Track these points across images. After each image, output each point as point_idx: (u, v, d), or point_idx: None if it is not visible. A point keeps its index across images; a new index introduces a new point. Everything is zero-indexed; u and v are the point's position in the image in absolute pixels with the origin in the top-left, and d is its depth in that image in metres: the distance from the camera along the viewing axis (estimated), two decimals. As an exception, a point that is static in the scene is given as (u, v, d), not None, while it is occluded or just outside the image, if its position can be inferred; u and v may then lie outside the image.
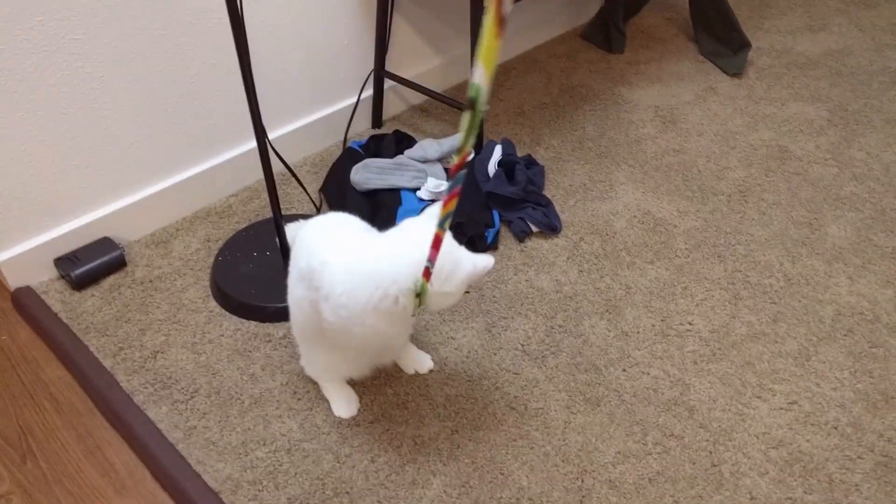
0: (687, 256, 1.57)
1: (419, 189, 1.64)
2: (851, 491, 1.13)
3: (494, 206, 1.64)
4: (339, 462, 1.16)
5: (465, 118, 0.80)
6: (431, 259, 0.96)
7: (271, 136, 1.77)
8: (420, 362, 1.31)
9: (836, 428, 1.22)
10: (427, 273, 0.97)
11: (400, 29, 1.93)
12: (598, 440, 1.20)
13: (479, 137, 1.78)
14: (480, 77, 0.76)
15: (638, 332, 1.39)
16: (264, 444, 1.19)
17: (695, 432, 1.21)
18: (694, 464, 1.16)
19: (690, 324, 1.41)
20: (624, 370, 1.32)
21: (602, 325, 1.40)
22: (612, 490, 1.12)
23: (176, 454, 1.17)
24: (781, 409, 1.25)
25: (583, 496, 1.12)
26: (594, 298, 1.46)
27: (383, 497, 1.12)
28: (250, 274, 1.46)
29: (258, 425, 1.22)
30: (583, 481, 1.14)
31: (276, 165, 1.77)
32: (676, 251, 1.58)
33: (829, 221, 1.66)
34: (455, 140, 1.75)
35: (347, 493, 1.12)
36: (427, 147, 1.71)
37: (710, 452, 1.18)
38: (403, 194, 1.64)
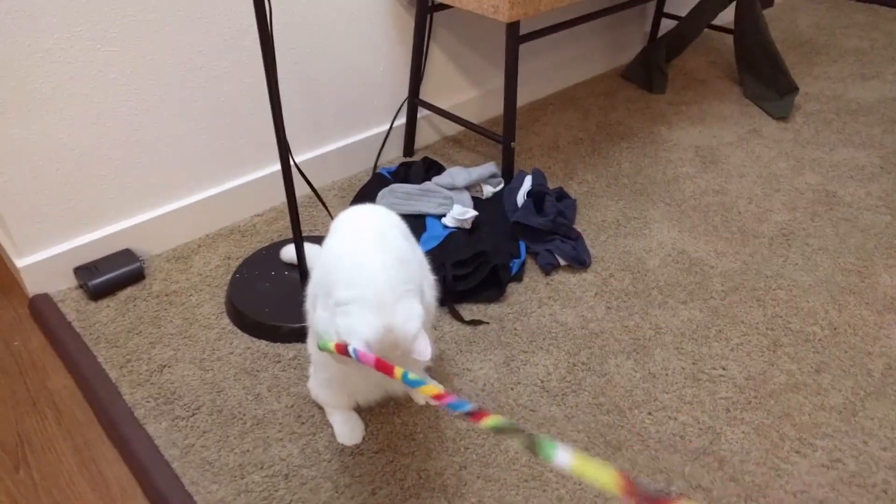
0: (723, 299, 1.47)
1: (445, 216, 1.59)
2: (902, 564, 1.01)
3: (521, 237, 1.58)
4: (337, 492, 1.10)
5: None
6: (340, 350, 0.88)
7: (301, 158, 1.76)
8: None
9: (885, 492, 1.10)
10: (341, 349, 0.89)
11: (436, 59, 1.93)
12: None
13: (510, 170, 1.74)
14: None
15: (666, 375, 1.30)
16: (262, 468, 1.13)
17: (724, 485, 1.11)
18: (723, 520, 1.06)
19: (724, 369, 1.31)
20: (649, 414, 1.22)
21: (628, 366, 1.32)
22: (630, 543, 1.02)
23: (170, 472, 1.12)
24: (823, 466, 1.14)
25: (597, 547, 1.02)
26: (621, 337, 1.38)
27: (381, 533, 1.04)
28: (266, 292, 1.43)
29: (258, 447, 1.16)
30: (598, 531, 1.04)
31: (304, 188, 1.77)
32: (712, 293, 1.49)
33: (880, 270, 1.55)
34: (485, 169, 1.71)
35: (343, 525, 1.05)
36: (455, 174, 1.67)
37: (742, 509, 1.07)
38: (428, 221, 1.60)
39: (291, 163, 1.29)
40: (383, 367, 0.80)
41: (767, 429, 1.20)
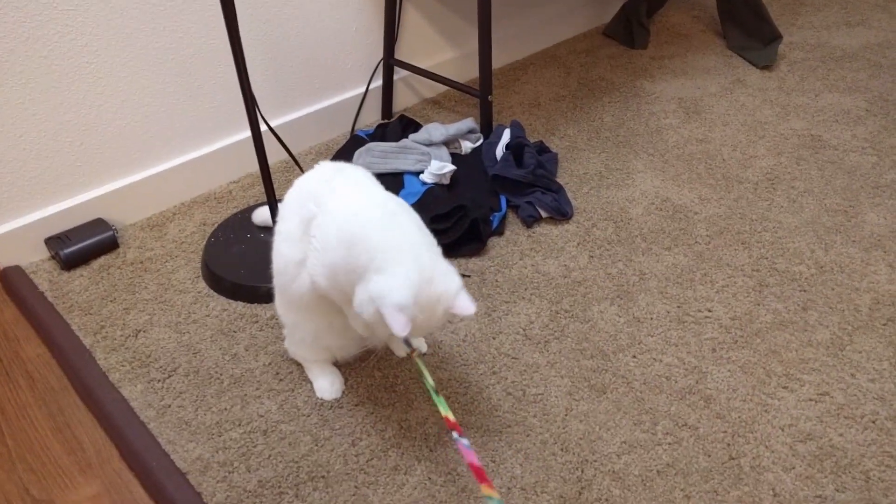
0: (708, 243, 1.45)
1: (423, 172, 1.56)
2: (891, 490, 0.99)
3: (501, 191, 1.55)
4: (317, 445, 1.07)
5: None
6: None
7: (276, 122, 1.73)
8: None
9: (873, 422, 1.08)
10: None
11: (411, 19, 1.89)
12: (602, 429, 1.08)
13: (489, 124, 1.71)
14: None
15: (651, 319, 1.28)
16: (240, 425, 1.11)
17: (711, 423, 1.09)
18: (709, 456, 1.04)
19: (710, 311, 1.29)
20: (634, 357, 1.20)
21: (612, 311, 1.29)
22: (616, 481, 1.01)
23: (146, 433, 1.10)
24: (811, 400, 1.12)
25: (582, 487, 1.00)
26: (605, 284, 1.36)
27: (361, 482, 1.02)
28: (242, 255, 1.40)
29: (235, 406, 1.14)
30: (583, 471, 1.02)
31: (280, 154, 1.73)
32: (696, 238, 1.47)
33: (866, 209, 1.53)
34: (463, 124, 1.67)
35: (323, 477, 1.03)
36: (433, 130, 1.64)
37: (728, 445, 1.05)
38: (406, 177, 1.57)
39: (259, 118, 1.25)
40: (478, 473, 0.81)
41: (754, 366, 1.18)
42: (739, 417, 1.09)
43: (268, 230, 1.43)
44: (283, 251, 1.02)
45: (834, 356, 1.19)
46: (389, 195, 1.00)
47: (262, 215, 1.43)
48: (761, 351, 1.21)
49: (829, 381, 1.15)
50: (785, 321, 1.26)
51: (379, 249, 0.89)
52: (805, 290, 1.33)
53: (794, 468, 1.02)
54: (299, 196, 1.01)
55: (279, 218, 1.04)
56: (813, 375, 1.16)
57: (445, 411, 0.87)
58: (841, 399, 1.12)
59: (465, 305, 0.89)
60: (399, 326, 0.84)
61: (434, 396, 0.90)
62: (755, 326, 1.25)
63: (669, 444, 1.06)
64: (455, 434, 0.85)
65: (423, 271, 0.88)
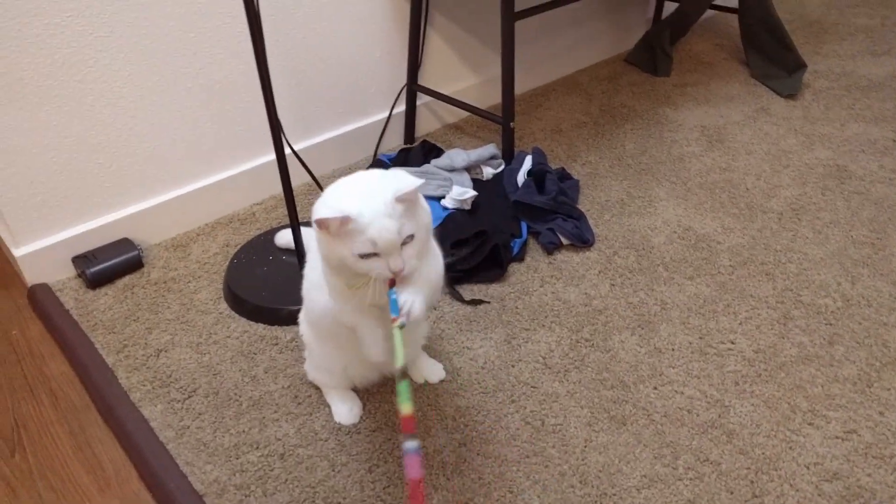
0: (731, 273, 1.43)
1: (444, 197, 1.57)
2: (922, 534, 0.96)
3: (522, 217, 1.55)
4: (334, 470, 1.07)
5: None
6: None
7: (301, 146, 1.75)
8: (431, 371, 1.22)
9: (902, 462, 1.06)
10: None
11: (434, 45, 1.91)
12: (622, 462, 1.07)
13: (510, 150, 1.72)
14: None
15: (672, 350, 1.26)
16: (257, 448, 1.11)
17: (734, 458, 1.07)
18: (732, 493, 1.02)
19: (732, 342, 1.27)
20: (655, 388, 1.19)
21: (633, 341, 1.28)
22: (635, 517, 0.99)
23: (164, 453, 1.10)
24: (837, 438, 1.09)
25: (601, 521, 0.99)
26: (626, 313, 1.34)
27: (377, 510, 1.01)
28: (264, 277, 1.41)
29: (253, 428, 1.14)
30: (602, 505, 1.01)
31: (303, 176, 1.75)
32: (719, 268, 1.45)
33: (894, 242, 1.51)
34: (485, 150, 1.68)
35: (339, 503, 1.02)
36: (454, 156, 1.65)
37: (752, 482, 1.03)
38: (428, 202, 1.57)
39: (284, 142, 1.27)
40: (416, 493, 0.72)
41: (778, 401, 1.16)
42: (763, 454, 1.07)
43: (290, 252, 1.44)
44: (310, 277, 1.03)
45: (861, 393, 1.17)
46: None
47: (284, 237, 1.44)
48: (786, 385, 1.18)
49: (856, 418, 1.12)
50: (810, 355, 1.24)
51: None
52: (831, 324, 1.30)
53: (819, 508, 0.99)
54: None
55: (307, 247, 1.06)
56: (840, 412, 1.13)
57: (408, 409, 0.76)
58: (869, 438, 1.09)
59: (409, 184, 0.83)
60: (320, 216, 0.80)
61: (398, 382, 0.79)
62: (779, 360, 1.23)
63: (691, 479, 1.04)
64: (408, 445, 0.73)
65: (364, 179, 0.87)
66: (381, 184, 0.86)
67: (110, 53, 1.38)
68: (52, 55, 1.31)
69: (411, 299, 0.88)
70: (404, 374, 0.80)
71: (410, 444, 0.73)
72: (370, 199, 0.83)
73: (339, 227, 0.83)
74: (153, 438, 1.13)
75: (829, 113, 2.02)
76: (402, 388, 0.77)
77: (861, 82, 2.19)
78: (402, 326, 0.85)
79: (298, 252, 1.40)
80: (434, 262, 0.99)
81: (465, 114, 2.08)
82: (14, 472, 1.11)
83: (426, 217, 0.90)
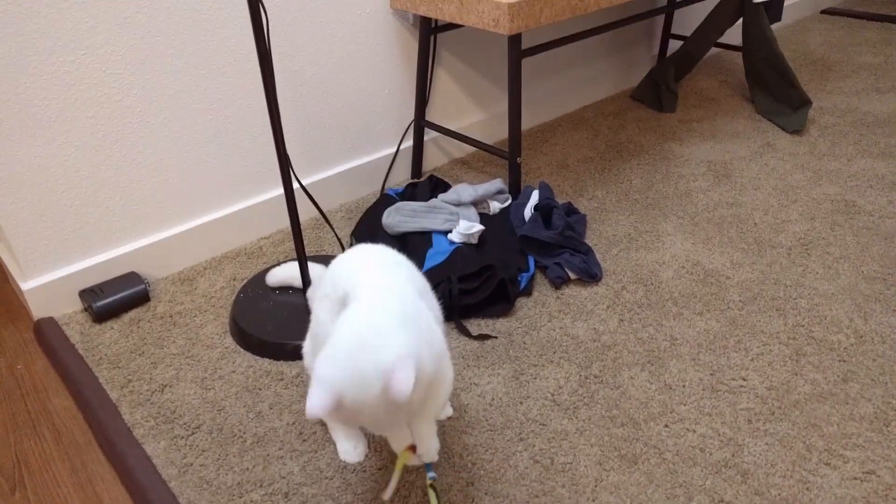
0: (741, 309, 1.42)
1: (451, 231, 1.57)
2: (947, 580, 0.93)
3: (529, 251, 1.55)
4: (338, 510, 1.05)
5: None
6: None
7: (308, 180, 1.76)
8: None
9: (923, 504, 1.02)
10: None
11: (441, 82, 1.93)
12: (634, 502, 1.04)
13: (517, 185, 1.72)
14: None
15: (683, 386, 1.24)
16: (261, 486, 1.09)
17: (749, 499, 1.04)
18: (748, 536, 0.99)
19: (744, 379, 1.25)
20: (666, 426, 1.16)
21: (643, 377, 1.26)
22: (649, 560, 0.96)
23: (167, 491, 1.08)
24: (856, 479, 1.07)
25: (613, 565, 0.96)
26: (635, 349, 1.33)
27: (383, 552, 0.99)
28: (270, 311, 1.40)
29: (257, 466, 1.12)
30: (614, 548, 0.98)
31: (310, 211, 1.76)
32: (729, 303, 1.44)
33: (906, 277, 1.49)
34: (492, 185, 1.69)
35: (344, 544, 1.00)
36: (461, 191, 1.65)
37: (768, 524, 1.00)
38: (434, 236, 1.58)
39: (292, 175, 1.27)
40: None
41: (793, 440, 1.13)
42: (779, 495, 1.04)
43: (285, 290, 1.44)
44: (320, 315, 1.03)
45: (879, 431, 1.14)
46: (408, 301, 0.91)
47: (275, 277, 1.44)
48: (800, 424, 1.16)
49: (874, 458, 1.10)
50: (825, 393, 1.22)
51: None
52: (844, 361, 1.28)
53: (839, 552, 0.96)
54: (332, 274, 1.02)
55: (319, 280, 1.06)
56: (857, 452, 1.11)
57: None
58: (889, 479, 1.06)
59: (400, 382, 0.73)
60: (312, 404, 0.73)
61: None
62: (793, 397, 1.21)
63: (705, 521, 1.01)
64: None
65: (359, 334, 0.78)
66: (375, 357, 0.78)
67: (121, 90, 1.40)
68: (64, 92, 1.33)
69: (428, 445, 0.90)
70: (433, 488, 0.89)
71: None
72: (362, 382, 0.76)
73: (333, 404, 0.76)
74: (155, 476, 1.11)
75: (835, 149, 2.03)
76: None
77: (867, 118, 2.20)
78: (432, 482, 0.90)
79: (305, 287, 1.39)
80: (446, 375, 0.92)
81: (472, 149, 2.09)
82: (13, 511, 1.09)
83: (430, 366, 0.83)
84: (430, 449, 0.92)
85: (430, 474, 0.91)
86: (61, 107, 1.34)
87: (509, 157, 1.67)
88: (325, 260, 1.47)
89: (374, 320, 0.82)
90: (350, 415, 0.79)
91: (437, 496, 0.90)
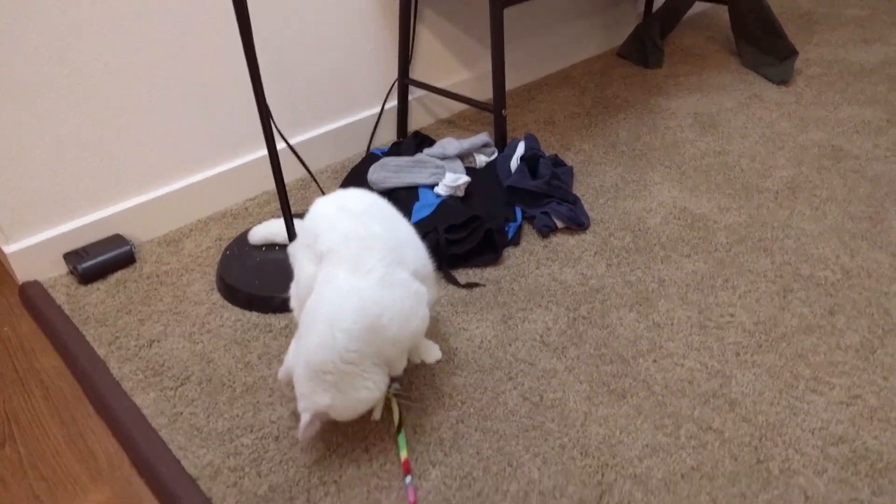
0: (728, 250, 1.42)
1: (437, 185, 1.56)
2: (933, 493, 0.93)
3: (516, 202, 1.54)
4: (329, 450, 1.05)
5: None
6: None
7: (294, 140, 1.74)
8: (427, 352, 1.20)
9: (910, 425, 1.03)
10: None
11: (425, 40, 1.91)
12: (623, 433, 1.04)
13: (503, 138, 1.71)
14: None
15: (671, 324, 1.24)
16: (251, 431, 1.09)
17: (737, 426, 1.04)
18: (736, 460, 0.99)
19: (732, 315, 1.25)
20: (655, 361, 1.17)
21: (631, 317, 1.26)
22: (637, 485, 0.97)
23: (157, 439, 1.08)
24: (842, 403, 1.07)
25: (602, 491, 0.96)
26: (623, 291, 1.33)
27: (374, 487, 0.99)
28: (256, 266, 1.39)
29: (248, 412, 1.12)
30: (603, 475, 0.98)
31: (295, 172, 1.75)
32: (717, 245, 1.44)
33: (892, 216, 1.49)
34: (477, 139, 1.68)
35: (335, 482, 1.00)
36: (447, 145, 1.64)
37: (756, 448, 1.01)
38: (420, 191, 1.57)
39: (276, 133, 1.26)
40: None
41: (780, 370, 1.14)
42: (767, 421, 1.05)
43: (279, 245, 1.43)
44: (301, 261, 1.04)
45: (865, 359, 1.15)
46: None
47: (257, 234, 1.43)
48: (788, 355, 1.16)
49: (860, 384, 1.10)
50: (812, 325, 1.22)
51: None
52: (831, 295, 1.29)
53: (826, 471, 0.97)
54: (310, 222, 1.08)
55: (299, 230, 1.07)
56: (843, 378, 1.11)
57: (405, 454, 1.01)
58: (874, 402, 1.07)
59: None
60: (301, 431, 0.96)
61: (399, 438, 1.03)
62: (780, 331, 1.21)
63: (693, 447, 1.02)
64: (408, 479, 0.98)
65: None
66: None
67: (99, 48, 1.38)
68: (40, 51, 1.31)
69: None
70: (399, 427, 1.04)
71: (408, 479, 0.98)
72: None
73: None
74: (145, 425, 1.11)
75: (821, 97, 2.02)
76: (401, 440, 1.02)
77: (853, 68, 2.19)
78: (395, 391, 1.06)
79: (291, 240, 1.39)
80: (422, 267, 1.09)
81: (457, 108, 2.08)
82: (4, 464, 1.09)
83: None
84: (436, 351, 1.19)
85: (394, 385, 1.06)
86: (37, 67, 1.32)
87: (494, 109, 1.66)
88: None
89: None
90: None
91: (399, 407, 1.05)
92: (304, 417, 0.95)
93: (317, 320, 0.95)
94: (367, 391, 0.96)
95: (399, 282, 1.00)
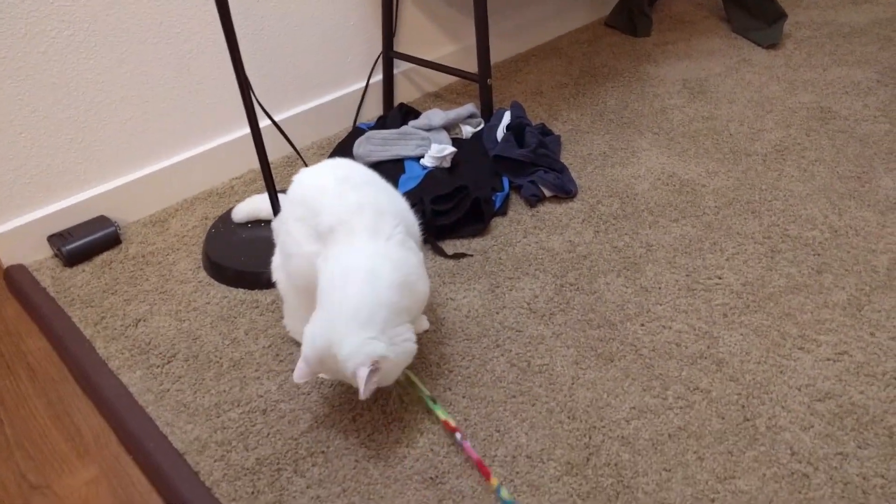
0: (717, 214, 1.41)
1: (423, 157, 1.55)
2: (919, 445, 0.93)
3: (503, 171, 1.53)
4: (317, 422, 1.05)
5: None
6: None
7: (279, 117, 1.73)
8: (416, 322, 1.19)
9: (895, 379, 1.03)
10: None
11: (409, 13, 1.89)
12: (611, 396, 1.04)
13: (489, 109, 1.69)
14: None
15: (659, 288, 1.24)
16: (238, 405, 1.09)
17: (724, 385, 1.04)
18: (723, 418, 0.99)
19: (720, 278, 1.25)
20: (642, 325, 1.16)
21: (619, 283, 1.26)
22: (625, 446, 0.97)
23: (144, 416, 1.08)
24: (828, 360, 1.07)
25: (590, 453, 0.96)
26: (611, 257, 1.32)
27: (362, 456, 0.99)
28: (242, 243, 1.39)
29: (234, 387, 1.12)
30: (590, 438, 0.98)
31: (281, 150, 1.73)
32: (705, 209, 1.43)
33: (881, 175, 1.48)
34: (463, 110, 1.66)
35: (323, 452, 1.00)
36: (432, 116, 1.63)
37: (743, 406, 1.01)
38: (407, 163, 1.56)
39: (257, 107, 1.24)
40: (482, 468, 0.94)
41: (767, 329, 1.13)
42: (754, 379, 1.05)
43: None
44: (294, 232, 1.02)
45: (852, 316, 1.14)
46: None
47: (241, 212, 1.42)
48: (775, 314, 1.16)
49: (847, 340, 1.10)
50: (799, 285, 1.22)
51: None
52: (819, 254, 1.28)
53: (812, 427, 0.97)
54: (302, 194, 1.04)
55: (287, 200, 1.05)
56: (830, 336, 1.11)
57: (445, 416, 1.00)
58: (860, 357, 1.07)
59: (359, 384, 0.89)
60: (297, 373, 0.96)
61: (431, 405, 1.01)
62: (768, 291, 1.21)
63: (681, 408, 1.01)
64: (458, 435, 0.97)
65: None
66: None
67: (75, 23, 1.36)
68: (12, 26, 1.29)
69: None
70: (434, 399, 1.05)
71: (458, 436, 0.98)
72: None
73: None
74: (132, 402, 1.10)
75: (811, 59, 2.00)
76: (438, 408, 1.02)
77: (843, 29, 2.17)
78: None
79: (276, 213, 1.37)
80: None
81: (444, 81, 2.06)
82: (-8, 444, 1.09)
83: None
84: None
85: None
86: (9, 43, 1.30)
87: (479, 78, 1.64)
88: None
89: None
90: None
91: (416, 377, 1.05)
92: (362, 372, 0.89)
93: (352, 283, 0.93)
94: (412, 343, 0.97)
95: (411, 247, 1.02)
